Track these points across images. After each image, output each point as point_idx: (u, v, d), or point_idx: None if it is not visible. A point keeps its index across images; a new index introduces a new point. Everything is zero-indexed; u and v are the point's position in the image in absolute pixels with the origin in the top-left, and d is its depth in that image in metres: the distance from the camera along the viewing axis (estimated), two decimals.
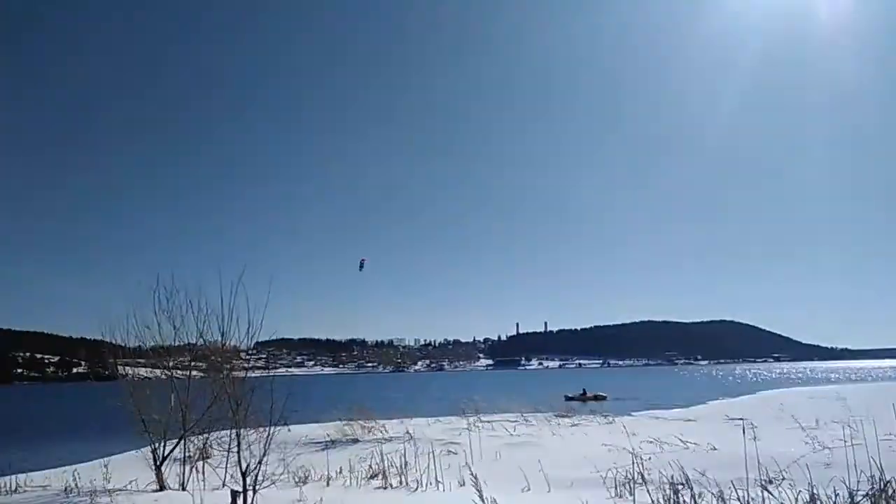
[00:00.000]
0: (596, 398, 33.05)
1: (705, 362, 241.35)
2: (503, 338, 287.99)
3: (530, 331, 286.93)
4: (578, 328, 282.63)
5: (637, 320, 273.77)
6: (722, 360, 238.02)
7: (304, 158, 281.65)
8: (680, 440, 11.05)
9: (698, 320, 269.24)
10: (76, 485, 8.34)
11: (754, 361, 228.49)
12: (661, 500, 6.55)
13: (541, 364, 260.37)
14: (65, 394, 76.63)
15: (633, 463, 8.06)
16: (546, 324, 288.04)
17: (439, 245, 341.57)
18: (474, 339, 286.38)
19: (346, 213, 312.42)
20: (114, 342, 9.37)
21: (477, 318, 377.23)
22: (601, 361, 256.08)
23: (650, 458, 9.06)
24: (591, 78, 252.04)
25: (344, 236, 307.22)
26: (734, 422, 14.99)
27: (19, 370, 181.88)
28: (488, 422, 15.88)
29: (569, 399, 30.94)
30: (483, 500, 4.50)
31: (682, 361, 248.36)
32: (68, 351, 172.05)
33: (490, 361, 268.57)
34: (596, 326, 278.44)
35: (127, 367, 9.80)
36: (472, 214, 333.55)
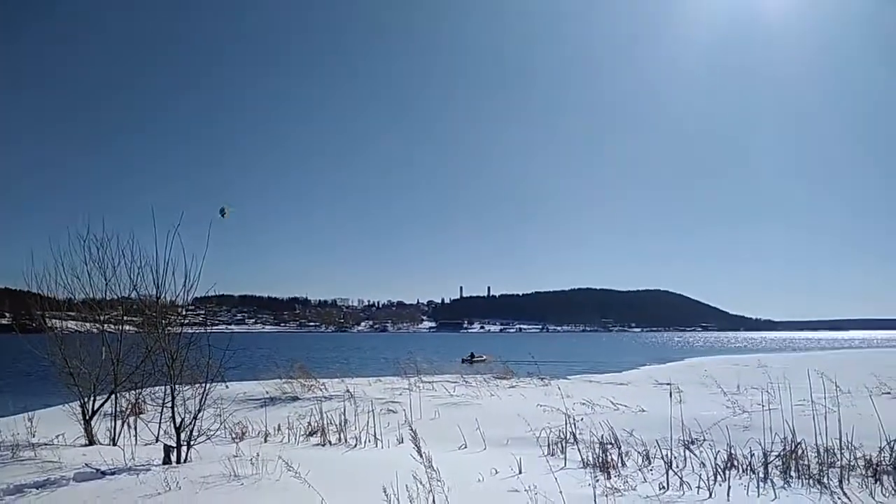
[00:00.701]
0: (483, 361, 34.55)
1: (638, 329, 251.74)
2: (447, 301, 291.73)
3: (474, 295, 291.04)
4: (520, 293, 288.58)
5: (576, 287, 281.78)
6: (654, 328, 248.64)
7: (253, 104, 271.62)
8: (611, 402, 11.50)
9: (634, 289, 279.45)
10: None
11: (684, 330, 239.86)
12: (591, 458, 6.86)
13: (483, 328, 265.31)
14: None
15: (565, 423, 8.36)
16: (489, 288, 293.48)
17: (385, 206, 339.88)
18: (418, 302, 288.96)
19: (291, 167, 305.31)
20: (41, 293, 8.96)
21: (421, 280, 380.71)
22: (541, 326, 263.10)
23: (582, 419, 9.41)
24: (547, 51, 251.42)
25: (289, 192, 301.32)
26: (662, 386, 15.70)
27: None
28: (429, 382, 16.09)
29: (464, 361, 33.78)
30: (421, 455, 4.58)
31: (616, 328, 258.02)
32: None
33: (433, 324, 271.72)
34: (537, 292, 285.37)
35: (55, 320, 9.40)
36: (421, 178, 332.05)
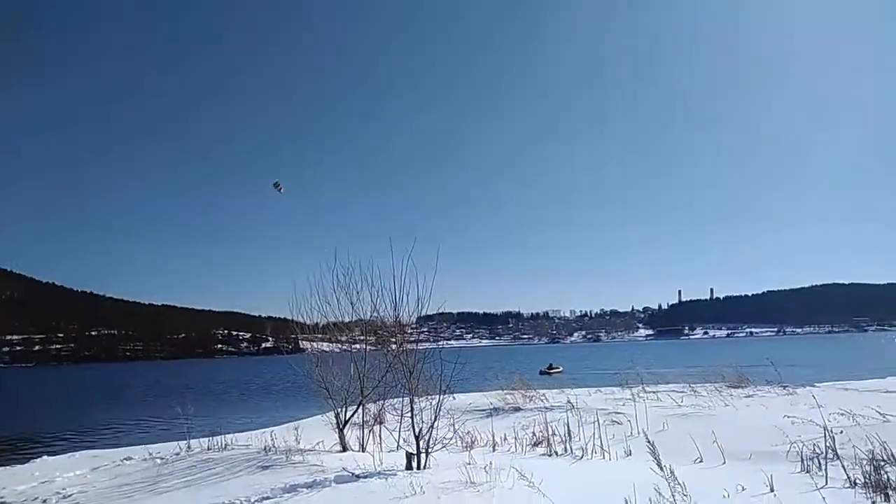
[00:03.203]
0: (560, 371, 35.18)
1: None
2: (664, 306, 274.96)
3: (694, 298, 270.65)
4: (749, 294, 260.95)
5: (818, 283, 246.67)
6: None
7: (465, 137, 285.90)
8: (878, 413, 9.89)
9: (894, 281, 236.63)
10: (273, 444, 9.39)
11: None
12: (861, 477, 5.96)
13: (706, 333, 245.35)
14: (257, 366, 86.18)
15: (824, 436, 7.35)
16: (712, 290, 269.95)
17: (595, 212, 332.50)
18: (633, 309, 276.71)
19: (499, 187, 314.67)
20: (298, 319, 10.34)
21: (635, 286, 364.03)
22: (776, 329, 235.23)
23: (842, 432, 8.22)
24: None
25: (499, 210, 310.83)
26: None
27: (219, 346, 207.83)
28: (653, 392, 15.33)
29: (542, 373, 33.62)
30: (661, 468, 4.38)
31: (874, 328, 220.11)
32: (257, 328, 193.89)
33: (650, 331, 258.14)
34: (769, 291, 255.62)
35: (307, 342, 10.82)
36: (629, 180, 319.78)
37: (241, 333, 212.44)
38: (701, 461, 7.87)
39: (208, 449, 10.04)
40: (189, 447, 10.32)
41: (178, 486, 7.55)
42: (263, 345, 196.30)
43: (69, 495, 7.64)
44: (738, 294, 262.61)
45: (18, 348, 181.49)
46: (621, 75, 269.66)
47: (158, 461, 9.55)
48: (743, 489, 5.84)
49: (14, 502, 7.58)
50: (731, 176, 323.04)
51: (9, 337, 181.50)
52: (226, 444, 10.25)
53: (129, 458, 10.24)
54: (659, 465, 4.40)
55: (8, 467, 10.96)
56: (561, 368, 38.82)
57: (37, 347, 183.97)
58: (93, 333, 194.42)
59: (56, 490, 8.07)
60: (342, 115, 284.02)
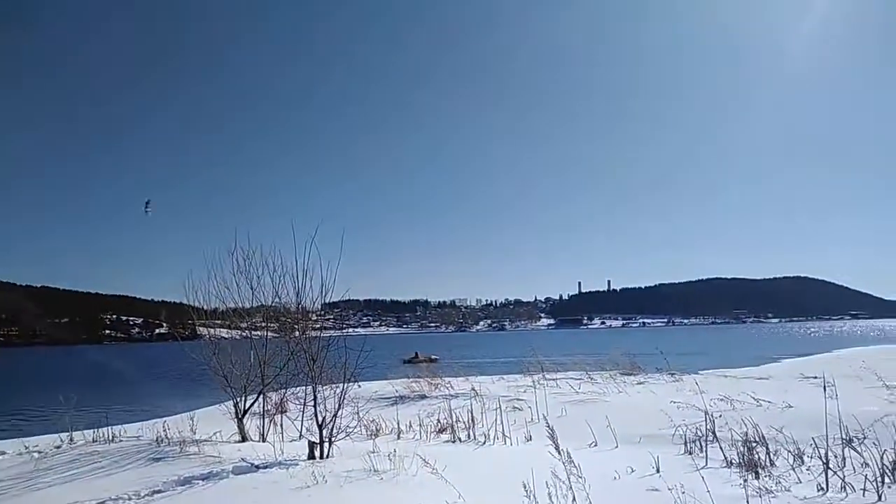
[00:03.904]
0: (430, 360, 33.92)
1: (776, 320, 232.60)
2: (565, 297, 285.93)
3: (593, 290, 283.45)
4: (643, 286, 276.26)
5: (704, 277, 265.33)
6: (795, 318, 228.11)
7: (374, 118, 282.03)
8: (752, 398, 10.79)
9: (769, 276, 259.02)
10: (166, 435, 8.91)
11: (829, 319, 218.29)
12: (735, 457, 6.47)
13: (604, 323, 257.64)
14: (150, 353, 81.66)
15: (704, 420, 7.93)
16: (609, 282, 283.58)
17: (500, 205, 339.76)
18: (535, 299, 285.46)
19: (404, 170, 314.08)
20: (194, 305, 9.86)
21: (538, 277, 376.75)
22: (666, 320, 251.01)
23: (721, 416, 8.91)
24: None
25: (411, 197, 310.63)
26: (809, 380, 14.50)
27: (107, 331, 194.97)
28: (552, 380, 15.92)
29: (405, 362, 32.61)
30: (559, 452, 4.55)
31: (751, 319, 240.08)
32: (151, 313, 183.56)
33: (552, 321, 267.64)
34: (661, 284, 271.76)
35: (204, 328, 10.34)
36: (532, 174, 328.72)
37: (132, 318, 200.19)
38: (596, 445, 8.26)
39: (93, 441, 9.39)
40: (72, 440, 9.60)
41: (59, 482, 6.99)
42: (157, 331, 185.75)
43: None
44: (632, 286, 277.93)
45: None
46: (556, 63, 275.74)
47: (36, 455, 8.79)
48: (633, 470, 6.19)
49: None
50: (627, 170, 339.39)
51: None
52: (113, 436, 9.62)
53: (2, 453, 9.40)
54: (557, 448, 4.58)
55: None
56: (433, 357, 36.65)
57: None
58: None
59: None
60: (232, 83, 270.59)
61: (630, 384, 15.12)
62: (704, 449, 7.26)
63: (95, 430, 9.82)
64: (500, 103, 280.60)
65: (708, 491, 4.83)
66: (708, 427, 7.78)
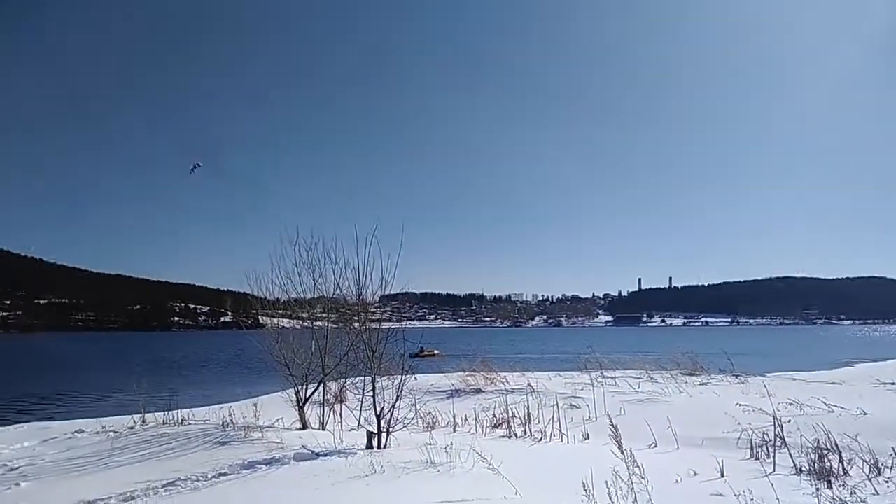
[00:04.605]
0: (431, 354, 33.88)
1: (848, 322, 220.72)
2: (624, 294, 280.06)
3: (654, 286, 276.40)
4: (706, 284, 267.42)
5: (772, 276, 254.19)
6: (869, 320, 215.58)
7: (431, 120, 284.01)
8: (823, 403, 10.27)
9: (842, 276, 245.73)
10: (232, 420, 9.26)
11: None
12: (805, 464, 6.19)
13: (664, 321, 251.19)
14: (215, 340, 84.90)
15: (773, 424, 7.60)
16: (671, 279, 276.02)
17: (560, 199, 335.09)
18: (593, 295, 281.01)
19: (463, 169, 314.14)
20: (257, 295, 10.17)
21: (597, 273, 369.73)
22: (730, 320, 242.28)
23: (790, 421, 8.52)
24: None
25: (465, 193, 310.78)
26: (886, 386, 13.70)
27: (176, 318, 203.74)
28: (611, 378, 15.61)
29: (412, 356, 31.63)
30: (622, 451, 4.46)
31: (822, 321, 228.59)
32: (216, 302, 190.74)
33: (610, 318, 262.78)
34: (725, 283, 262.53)
35: (267, 318, 10.67)
36: (594, 168, 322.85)
37: (199, 307, 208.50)
38: (655, 446, 8.08)
39: (164, 423, 9.88)
40: (144, 421, 10.12)
41: (132, 461, 7.38)
42: (222, 319, 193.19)
43: (16, 468, 7.41)
44: (695, 284, 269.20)
45: None
46: (601, 62, 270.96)
47: (112, 434, 9.33)
48: (695, 474, 6.01)
49: None
50: (692, 167, 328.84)
51: None
52: (182, 419, 10.08)
53: (81, 431, 9.99)
54: (620, 448, 4.48)
55: None
56: (436, 352, 36.55)
57: None
58: (41, 302, 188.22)
59: (2, 462, 7.81)
60: (307, 92, 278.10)
61: (692, 385, 14.66)
62: (772, 454, 6.97)
63: (165, 412, 10.32)
64: (563, 101, 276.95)
65: (777, 499, 4.64)
66: (776, 432, 7.47)
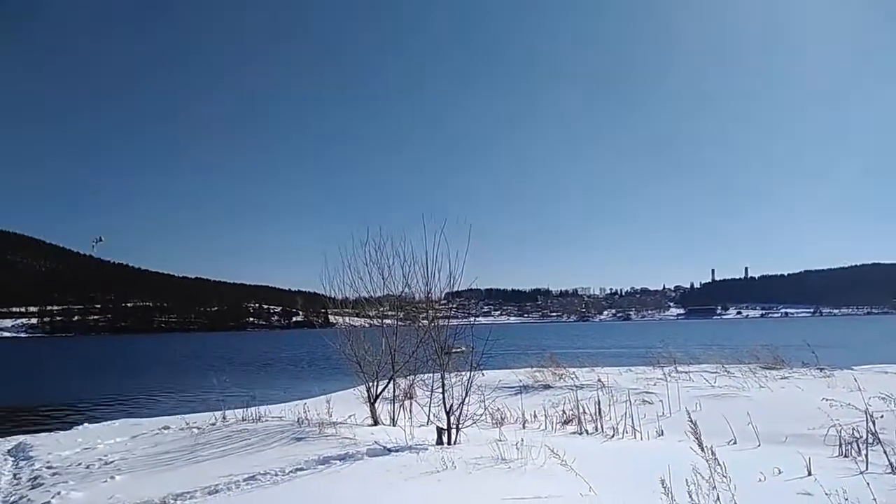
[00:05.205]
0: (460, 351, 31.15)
1: None
2: (697, 285, 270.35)
3: (728, 277, 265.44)
4: (785, 273, 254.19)
5: (859, 263, 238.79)
6: None
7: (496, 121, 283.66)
8: None
9: None
10: (306, 417, 9.54)
11: None
12: None
13: (740, 313, 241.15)
14: (288, 339, 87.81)
15: (865, 420, 7.15)
16: (746, 269, 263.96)
17: (627, 190, 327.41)
18: (664, 287, 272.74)
19: (529, 167, 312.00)
20: (328, 295, 10.44)
21: (667, 264, 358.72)
22: (812, 310, 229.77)
23: (882, 416, 8.00)
24: None
25: (528, 188, 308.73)
26: None
27: (250, 319, 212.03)
28: (685, 372, 15.11)
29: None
30: (702, 448, 4.30)
31: None
32: (287, 302, 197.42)
33: (681, 311, 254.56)
34: (806, 271, 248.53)
35: (337, 317, 10.94)
36: (662, 159, 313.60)
37: (271, 307, 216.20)
38: (735, 443, 7.77)
39: (243, 420, 10.28)
40: (224, 418, 10.57)
41: (215, 456, 7.74)
42: (294, 318, 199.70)
43: (111, 462, 7.90)
44: (773, 273, 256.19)
45: (59, 318, 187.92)
46: (671, 48, 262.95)
47: (195, 431, 9.80)
48: (780, 472, 5.74)
49: (60, 467, 7.86)
50: (766, 155, 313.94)
51: (49, 308, 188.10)
52: (260, 416, 10.46)
53: (167, 427, 10.54)
54: (700, 445, 4.31)
55: (52, 433, 11.39)
56: (462, 348, 35.56)
57: (76, 318, 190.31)
58: (128, 305, 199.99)
59: (98, 456, 8.35)
60: (375, 91, 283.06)
61: (772, 379, 13.99)
62: (864, 452, 6.57)
63: (245, 409, 10.74)
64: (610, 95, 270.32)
65: (874, 499, 4.35)
66: (868, 428, 7.03)
